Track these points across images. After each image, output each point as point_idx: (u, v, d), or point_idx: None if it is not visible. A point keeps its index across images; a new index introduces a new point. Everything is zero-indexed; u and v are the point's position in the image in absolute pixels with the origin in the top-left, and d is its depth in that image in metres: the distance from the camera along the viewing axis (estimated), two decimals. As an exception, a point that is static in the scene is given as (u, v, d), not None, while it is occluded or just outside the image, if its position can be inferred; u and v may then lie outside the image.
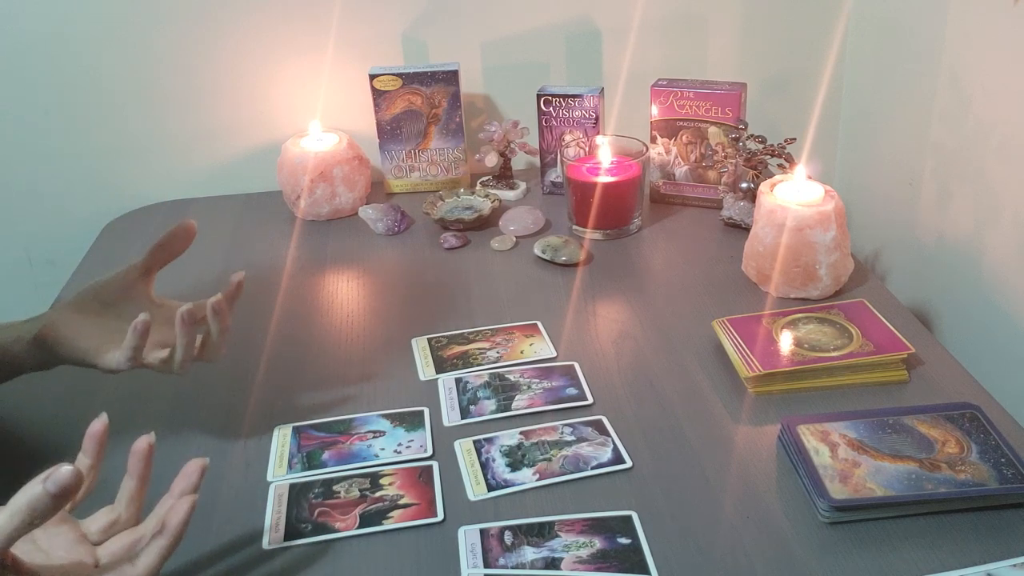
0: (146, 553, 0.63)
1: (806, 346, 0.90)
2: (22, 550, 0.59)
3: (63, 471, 0.54)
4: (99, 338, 0.80)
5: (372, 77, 1.31)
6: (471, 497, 0.77)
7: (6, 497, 0.81)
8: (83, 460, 0.68)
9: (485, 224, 1.25)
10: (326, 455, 0.83)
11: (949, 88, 1.14)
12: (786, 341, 0.92)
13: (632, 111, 1.37)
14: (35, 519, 0.54)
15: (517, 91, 1.38)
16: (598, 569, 0.69)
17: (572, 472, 0.79)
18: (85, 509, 0.67)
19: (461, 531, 0.73)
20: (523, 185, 1.36)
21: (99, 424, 0.69)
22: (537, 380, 0.92)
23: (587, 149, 1.27)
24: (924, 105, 1.20)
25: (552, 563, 0.70)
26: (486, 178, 1.39)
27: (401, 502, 0.76)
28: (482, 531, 0.73)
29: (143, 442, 0.69)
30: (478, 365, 0.95)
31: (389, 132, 1.34)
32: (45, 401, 0.93)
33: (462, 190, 1.30)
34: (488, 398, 0.90)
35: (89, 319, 0.82)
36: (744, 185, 1.19)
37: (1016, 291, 1.04)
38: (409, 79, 1.31)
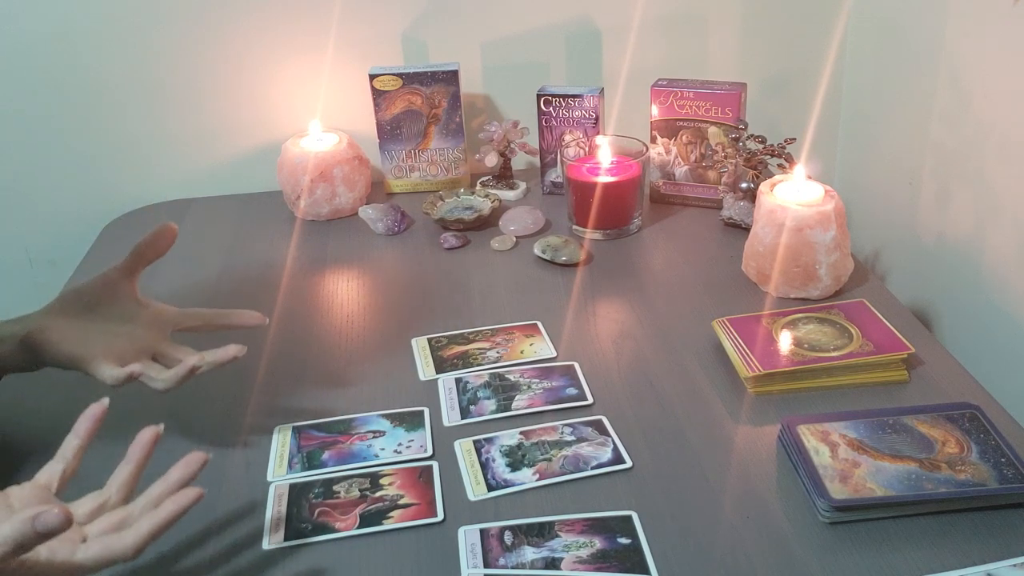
0: (135, 528, 0.63)
1: (806, 346, 0.90)
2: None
3: (52, 515, 0.56)
4: (86, 343, 0.81)
5: (372, 77, 1.31)
6: (471, 497, 0.77)
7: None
8: (72, 441, 0.68)
9: (485, 224, 1.25)
10: (326, 455, 0.83)
11: (949, 88, 1.14)
12: (786, 341, 0.92)
13: (632, 111, 1.37)
14: (19, 550, 0.56)
15: (517, 91, 1.38)
16: (598, 569, 0.69)
17: (572, 472, 0.79)
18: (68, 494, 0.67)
19: (461, 531, 0.73)
20: (523, 185, 1.36)
21: (99, 408, 0.70)
22: (537, 380, 0.92)
23: (587, 149, 1.27)
24: (924, 105, 1.20)
25: (552, 563, 0.70)
26: (486, 178, 1.39)
27: (401, 502, 0.76)
28: (482, 531, 0.73)
29: (150, 431, 0.70)
30: (478, 365, 0.95)
31: (389, 132, 1.34)
32: (44, 398, 0.93)
33: (462, 190, 1.30)
34: (488, 398, 0.90)
35: (75, 323, 0.83)
36: (744, 185, 1.19)
37: (1016, 291, 1.04)
38: (409, 79, 1.31)
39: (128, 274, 0.86)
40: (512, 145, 1.33)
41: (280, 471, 0.81)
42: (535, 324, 1.02)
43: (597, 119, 1.28)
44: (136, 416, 0.90)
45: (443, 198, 1.29)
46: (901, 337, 0.90)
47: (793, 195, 1.03)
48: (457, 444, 0.83)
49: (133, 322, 0.85)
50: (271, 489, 0.79)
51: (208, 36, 1.34)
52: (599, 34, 1.39)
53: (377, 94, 1.31)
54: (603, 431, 0.84)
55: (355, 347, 1.00)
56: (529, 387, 0.91)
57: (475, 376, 0.93)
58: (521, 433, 0.84)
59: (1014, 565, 0.67)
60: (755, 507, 0.74)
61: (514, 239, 1.21)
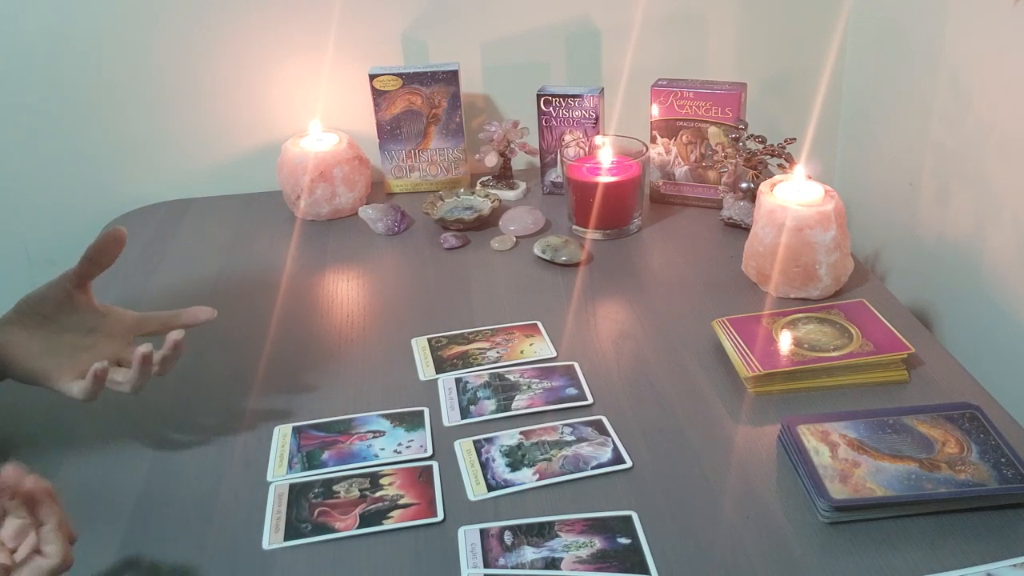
0: (52, 541, 0.61)
1: (806, 346, 0.90)
2: None
3: None
4: (48, 357, 0.81)
5: (372, 77, 1.31)
6: (471, 497, 0.77)
7: None
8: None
9: (485, 224, 1.25)
10: (326, 455, 0.83)
11: (949, 88, 1.14)
12: (786, 341, 0.92)
13: (632, 111, 1.37)
14: None
15: (517, 91, 1.38)
16: (598, 569, 0.69)
17: (572, 472, 0.79)
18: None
19: (461, 531, 0.73)
20: (523, 185, 1.36)
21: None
22: (537, 380, 0.92)
23: (587, 149, 1.27)
24: (924, 105, 1.20)
25: (552, 563, 0.70)
26: (486, 178, 1.39)
27: (401, 502, 0.76)
28: (482, 531, 0.73)
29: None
30: (478, 365, 0.95)
31: (389, 132, 1.34)
32: (44, 400, 0.92)
33: (462, 190, 1.30)
34: (488, 398, 0.90)
35: (34, 336, 0.82)
36: (744, 185, 1.19)
37: (1016, 291, 1.04)
38: (409, 79, 1.31)
39: (81, 282, 0.84)
40: (512, 145, 1.33)
41: (280, 471, 0.81)
42: (535, 324, 1.02)
43: (597, 119, 1.28)
44: (137, 416, 0.90)
45: (443, 198, 1.29)
46: (901, 337, 0.90)
47: (793, 195, 1.03)
48: (457, 444, 0.83)
49: (95, 333, 0.84)
50: (271, 489, 0.79)
51: (208, 36, 1.34)
52: (599, 34, 1.39)
53: (377, 94, 1.31)
54: (603, 431, 0.84)
55: (355, 347, 1.00)
56: (529, 387, 0.91)
57: (475, 376, 0.93)
58: (521, 433, 0.84)
59: (1014, 565, 0.67)
60: (755, 507, 0.74)
61: (514, 239, 1.21)
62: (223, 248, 1.25)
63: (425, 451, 0.83)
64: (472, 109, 1.42)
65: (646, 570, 0.69)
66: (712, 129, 1.24)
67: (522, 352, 0.97)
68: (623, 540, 0.71)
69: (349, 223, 1.30)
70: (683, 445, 0.82)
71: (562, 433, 0.84)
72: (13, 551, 0.63)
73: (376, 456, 0.82)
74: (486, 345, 0.98)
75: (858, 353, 0.89)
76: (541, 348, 0.97)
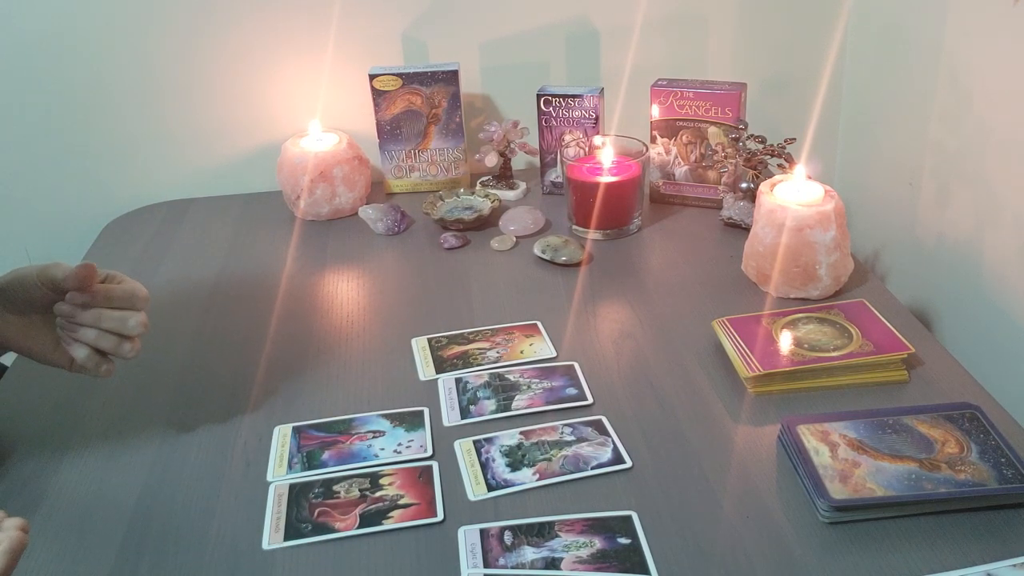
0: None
1: (806, 346, 0.90)
2: None
3: None
4: (44, 336, 0.82)
5: (372, 77, 1.31)
6: (471, 497, 0.77)
7: (5, 496, 0.81)
8: None
9: (485, 224, 1.25)
10: (326, 455, 0.83)
11: (949, 88, 1.14)
12: (786, 341, 0.92)
13: (633, 111, 1.37)
14: None
15: (517, 91, 1.38)
16: (598, 569, 0.69)
17: (572, 472, 0.79)
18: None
19: (461, 531, 0.73)
20: (523, 185, 1.36)
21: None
22: (537, 380, 0.92)
23: (587, 149, 1.27)
24: (924, 105, 1.20)
25: (552, 563, 0.70)
26: (486, 178, 1.39)
27: (401, 502, 0.76)
28: (482, 531, 0.73)
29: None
30: (478, 365, 0.95)
31: (389, 132, 1.34)
32: (45, 400, 0.93)
33: (462, 190, 1.30)
34: (488, 398, 0.90)
35: (31, 317, 0.83)
36: (744, 185, 1.19)
37: (1016, 291, 1.04)
38: (409, 79, 1.31)
39: (40, 285, 0.83)
40: (512, 145, 1.33)
41: (280, 471, 0.81)
42: (535, 324, 1.02)
43: (597, 119, 1.28)
44: (138, 416, 0.90)
45: (443, 198, 1.29)
46: (901, 337, 0.90)
47: (793, 195, 1.03)
48: (457, 444, 0.83)
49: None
50: (271, 489, 0.79)
51: (208, 36, 1.34)
52: (599, 34, 1.39)
53: (377, 94, 1.31)
54: (603, 431, 0.84)
55: (355, 347, 1.00)
56: (529, 387, 0.91)
57: (475, 376, 0.93)
58: (521, 433, 0.84)
59: (1014, 565, 0.67)
60: (755, 507, 0.74)
61: (514, 239, 1.21)
62: (223, 248, 1.25)
63: (425, 451, 0.83)
64: (472, 109, 1.42)
65: (646, 570, 0.69)
66: (712, 129, 1.24)
67: (522, 352, 0.97)
68: (623, 540, 0.71)
69: (349, 223, 1.30)
70: (683, 445, 0.82)
71: (562, 433, 0.84)
72: None
73: (376, 456, 0.82)
74: (486, 345, 0.98)
75: (858, 353, 0.89)
76: (541, 348, 0.97)
